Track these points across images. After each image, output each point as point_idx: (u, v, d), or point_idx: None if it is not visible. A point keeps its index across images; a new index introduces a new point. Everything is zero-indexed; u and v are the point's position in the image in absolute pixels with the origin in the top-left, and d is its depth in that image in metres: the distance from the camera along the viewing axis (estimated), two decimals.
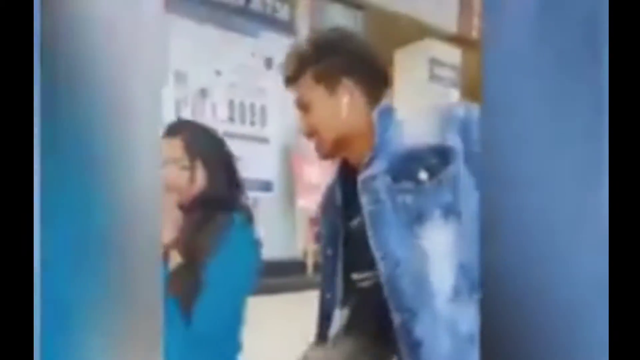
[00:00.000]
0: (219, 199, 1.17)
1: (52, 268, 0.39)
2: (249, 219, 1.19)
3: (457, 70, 3.09)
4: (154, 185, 0.44)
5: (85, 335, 0.41)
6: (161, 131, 1.14)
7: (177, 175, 1.15)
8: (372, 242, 0.94)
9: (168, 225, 1.13)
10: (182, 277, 1.10)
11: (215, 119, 2.09)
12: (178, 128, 1.21)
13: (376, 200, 0.94)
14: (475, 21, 3.12)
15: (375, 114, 1.00)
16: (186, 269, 1.11)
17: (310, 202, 2.22)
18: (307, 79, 1.00)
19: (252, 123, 2.21)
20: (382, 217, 0.94)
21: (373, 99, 1.01)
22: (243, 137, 2.16)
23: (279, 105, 2.25)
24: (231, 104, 2.15)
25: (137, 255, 0.43)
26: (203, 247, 1.11)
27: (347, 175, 1.04)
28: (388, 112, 1.01)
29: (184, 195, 1.15)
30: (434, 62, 2.95)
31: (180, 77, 2.02)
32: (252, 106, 2.21)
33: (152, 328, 0.43)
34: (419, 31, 2.85)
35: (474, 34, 3.11)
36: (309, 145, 1.06)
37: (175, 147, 1.16)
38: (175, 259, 1.13)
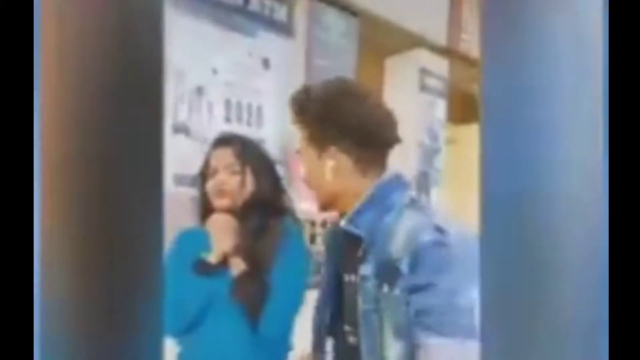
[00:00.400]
0: (268, 202, 1.22)
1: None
2: (301, 226, 1.27)
3: (444, 81, 3.13)
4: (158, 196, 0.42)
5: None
6: (164, 130, 1.17)
7: (229, 180, 1.19)
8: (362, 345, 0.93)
9: (224, 231, 1.16)
10: (247, 283, 1.12)
11: (211, 117, 2.05)
12: (228, 139, 1.26)
13: (369, 301, 0.93)
14: (464, 36, 3.20)
15: (376, 178, 0.99)
16: (250, 276, 1.13)
17: (307, 203, 2.18)
18: (302, 137, 1.02)
19: (249, 124, 2.18)
20: (371, 319, 0.92)
21: (366, 161, 0.99)
22: None
23: (276, 106, 2.22)
24: (228, 103, 2.11)
25: (139, 261, 0.41)
26: (265, 253, 1.15)
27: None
28: (393, 182, 0.99)
29: (235, 199, 1.19)
30: (424, 72, 2.99)
31: (177, 75, 1.98)
32: (249, 106, 2.18)
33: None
34: (410, 41, 2.89)
35: (462, 47, 3.18)
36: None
37: (227, 155, 1.21)
38: (238, 266, 1.15)
